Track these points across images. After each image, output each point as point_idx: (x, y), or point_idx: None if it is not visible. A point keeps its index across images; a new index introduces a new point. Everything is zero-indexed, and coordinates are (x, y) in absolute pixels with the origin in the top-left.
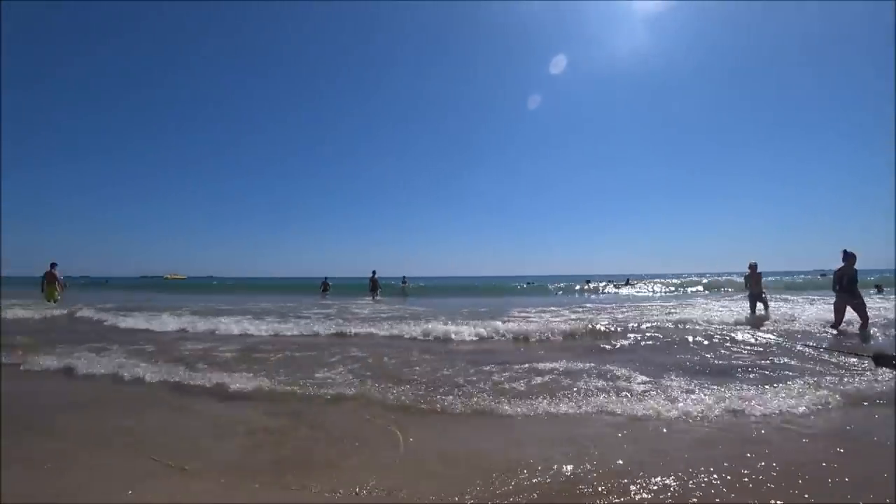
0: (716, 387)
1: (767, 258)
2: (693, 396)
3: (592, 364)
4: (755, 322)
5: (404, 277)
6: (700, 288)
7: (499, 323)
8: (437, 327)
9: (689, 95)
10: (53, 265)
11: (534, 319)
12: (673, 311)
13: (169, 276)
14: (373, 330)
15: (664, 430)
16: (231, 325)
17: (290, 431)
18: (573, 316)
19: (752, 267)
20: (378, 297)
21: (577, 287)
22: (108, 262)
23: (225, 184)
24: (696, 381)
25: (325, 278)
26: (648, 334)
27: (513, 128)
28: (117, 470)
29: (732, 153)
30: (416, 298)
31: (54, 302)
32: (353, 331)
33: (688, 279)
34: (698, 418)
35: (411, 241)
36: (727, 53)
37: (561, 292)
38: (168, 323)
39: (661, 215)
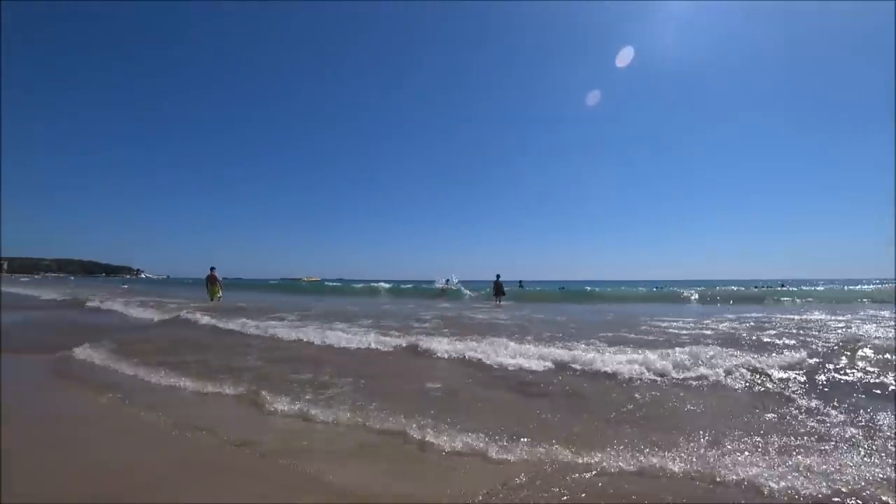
0: None
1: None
2: None
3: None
4: None
5: (521, 282)
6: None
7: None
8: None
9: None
10: (213, 269)
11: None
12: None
13: (305, 279)
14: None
15: None
16: (348, 333)
17: None
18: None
19: None
20: (500, 302)
21: (712, 293)
22: (257, 266)
23: (350, 198)
24: None
25: (447, 280)
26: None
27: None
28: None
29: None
30: (538, 304)
31: (218, 300)
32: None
33: (843, 288)
34: None
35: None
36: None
37: (694, 298)
38: (277, 327)
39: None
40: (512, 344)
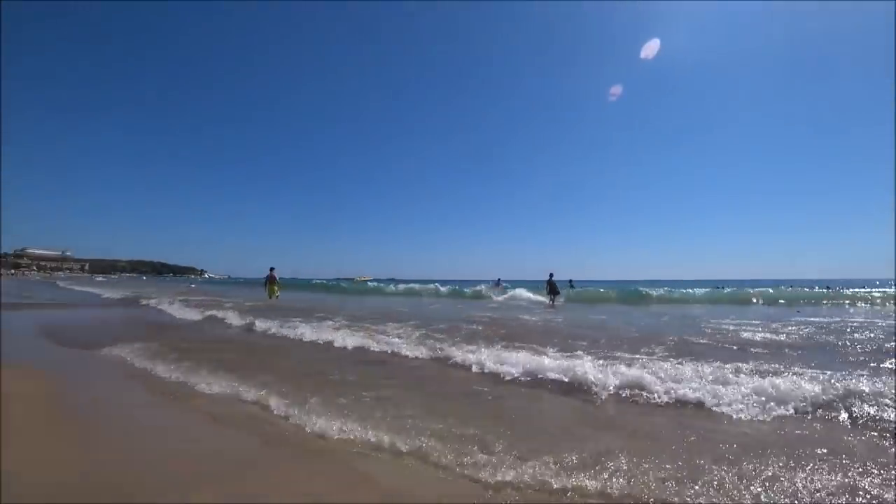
0: None
1: None
2: None
3: None
4: None
5: (571, 281)
6: None
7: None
8: None
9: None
10: (272, 269)
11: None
12: None
13: (358, 279)
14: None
15: None
16: (393, 336)
17: None
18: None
19: None
20: (555, 302)
21: (779, 294)
22: (312, 266)
23: (400, 200)
24: None
25: (498, 280)
26: None
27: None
28: None
29: None
30: (592, 306)
31: (276, 298)
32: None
33: None
34: None
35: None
36: None
37: (759, 301)
38: (322, 328)
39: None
40: (567, 353)
